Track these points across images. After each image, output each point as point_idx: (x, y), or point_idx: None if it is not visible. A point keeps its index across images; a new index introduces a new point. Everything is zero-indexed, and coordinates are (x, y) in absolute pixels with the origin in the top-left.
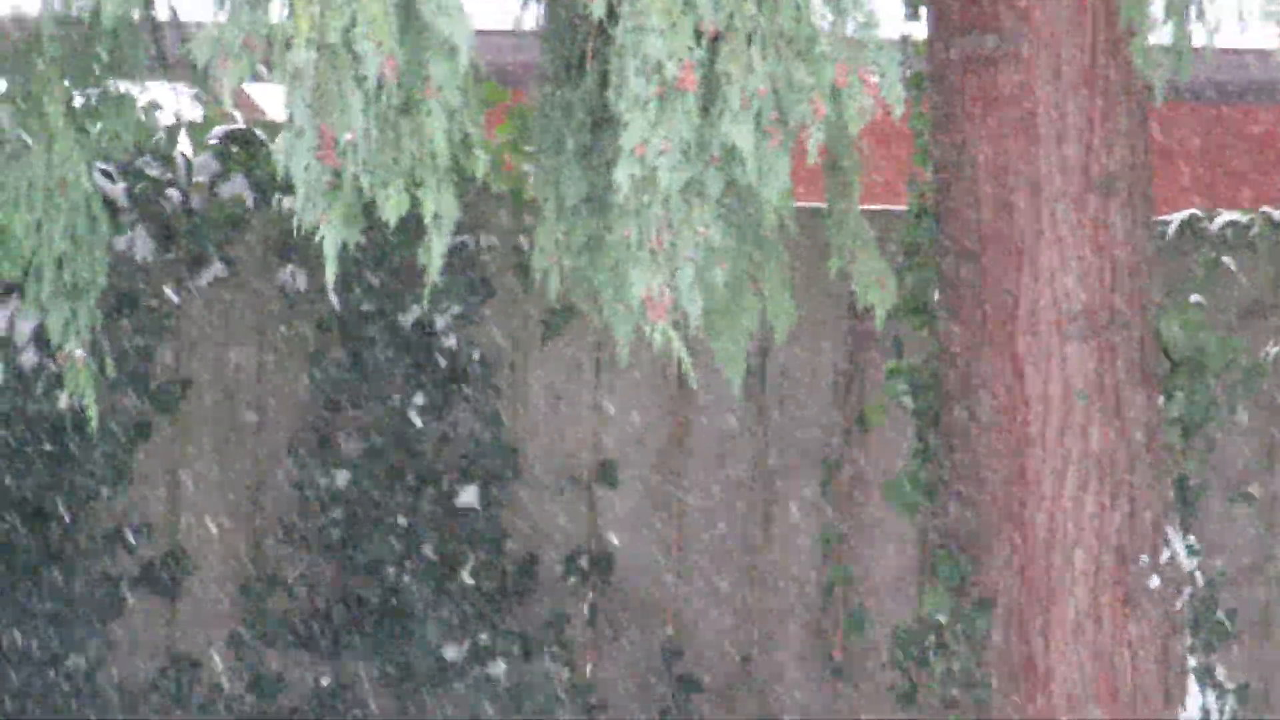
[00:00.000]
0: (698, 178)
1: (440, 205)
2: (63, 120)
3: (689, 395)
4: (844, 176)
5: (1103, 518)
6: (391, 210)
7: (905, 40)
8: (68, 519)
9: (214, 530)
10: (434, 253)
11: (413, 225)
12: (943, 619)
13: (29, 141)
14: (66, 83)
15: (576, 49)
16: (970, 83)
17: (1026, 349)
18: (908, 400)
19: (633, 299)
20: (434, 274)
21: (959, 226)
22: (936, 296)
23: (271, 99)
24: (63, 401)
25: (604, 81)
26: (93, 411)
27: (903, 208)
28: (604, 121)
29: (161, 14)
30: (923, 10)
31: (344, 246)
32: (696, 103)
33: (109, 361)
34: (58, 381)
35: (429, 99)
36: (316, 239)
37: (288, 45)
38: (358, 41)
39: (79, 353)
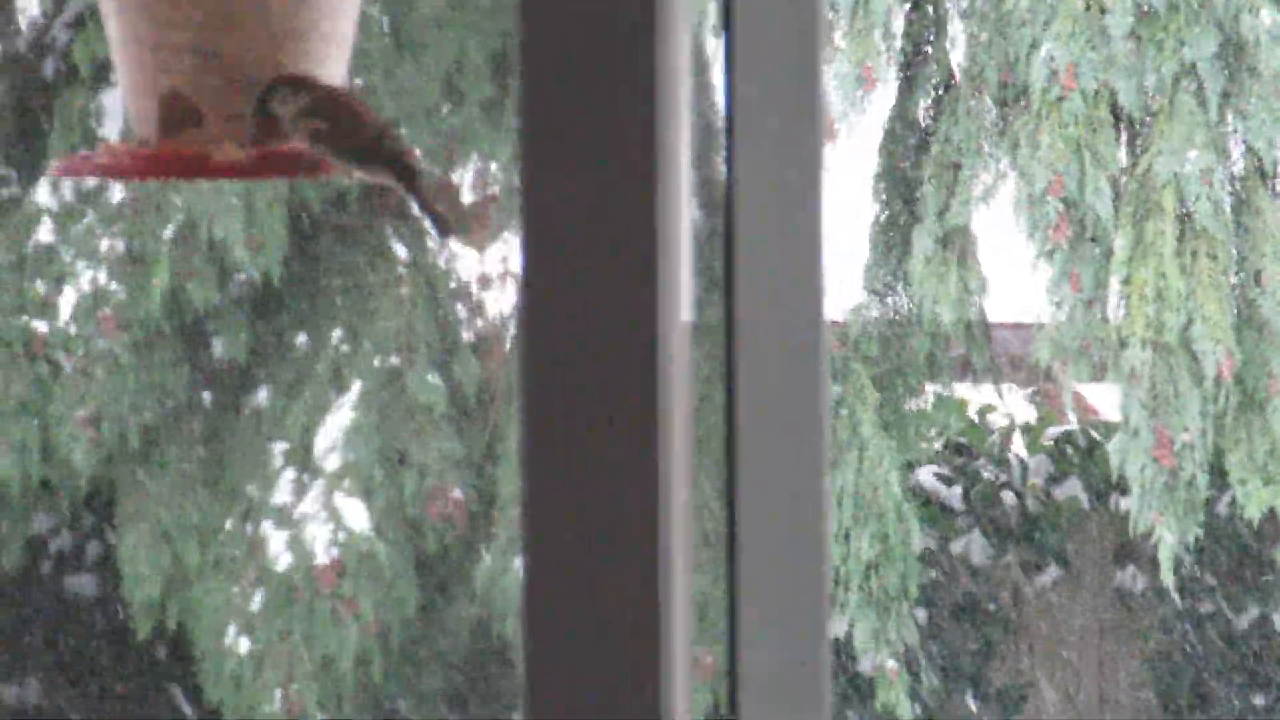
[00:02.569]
0: None
1: None
2: (873, 426)
3: None
4: None
5: None
6: (1253, 507)
7: None
8: None
9: None
10: None
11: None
12: None
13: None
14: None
15: None
16: None
17: None
18: None
19: None
20: None
21: None
22: None
23: (1103, 398)
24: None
25: None
26: None
27: None
28: None
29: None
30: None
31: (1185, 548)
32: None
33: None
34: None
35: (1275, 396)
36: (1152, 540)
37: (1123, 344)
38: (1195, 340)
39: (890, 663)
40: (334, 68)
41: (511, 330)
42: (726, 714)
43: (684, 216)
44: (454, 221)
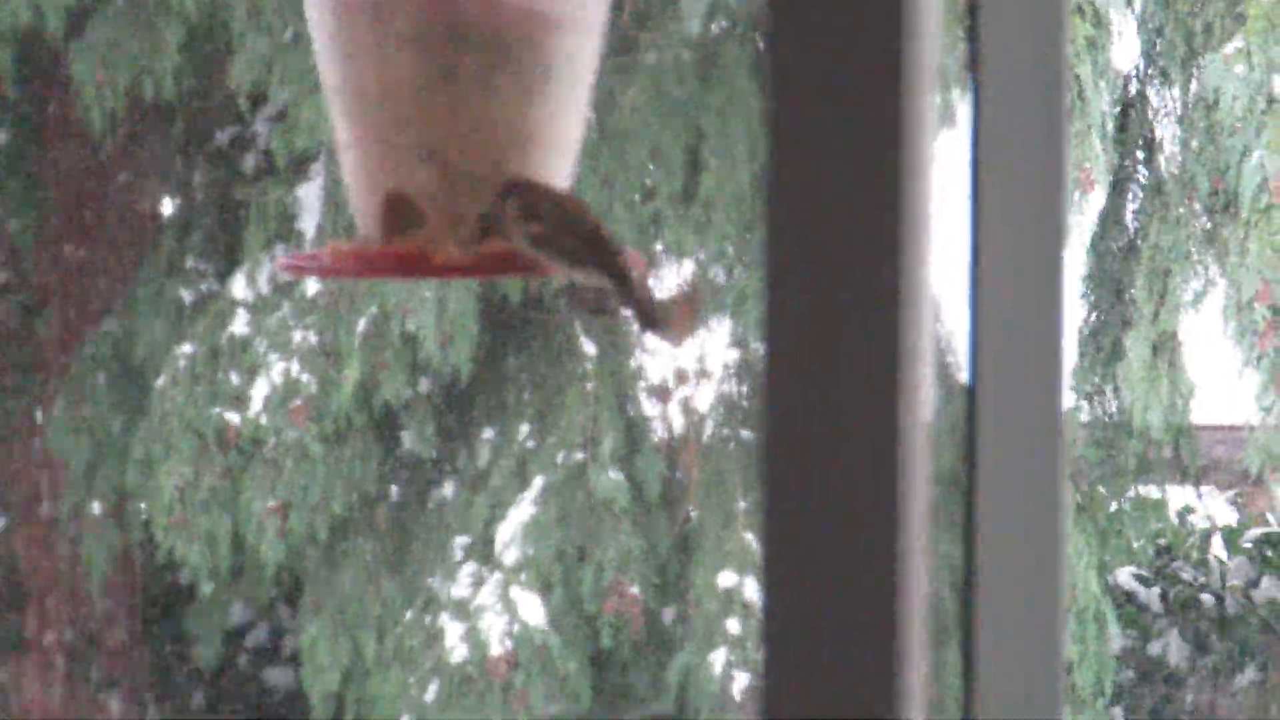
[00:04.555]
0: None
1: None
2: (1073, 525)
3: None
4: None
5: None
6: None
7: None
8: None
9: None
10: None
11: None
12: None
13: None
14: (1102, 489)
15: None
16: None
17: None
18: None
19: None
20: None
21: None
22: None
23: None
24: None
25: None
26: None
27: None
28: None
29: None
30: None
31: None
32: None
33: None
34: None
35: None
36: None
37: None
38: None
39: None
40: (559, 171)
41: (708, 427)
42: None
43: (929, 311)
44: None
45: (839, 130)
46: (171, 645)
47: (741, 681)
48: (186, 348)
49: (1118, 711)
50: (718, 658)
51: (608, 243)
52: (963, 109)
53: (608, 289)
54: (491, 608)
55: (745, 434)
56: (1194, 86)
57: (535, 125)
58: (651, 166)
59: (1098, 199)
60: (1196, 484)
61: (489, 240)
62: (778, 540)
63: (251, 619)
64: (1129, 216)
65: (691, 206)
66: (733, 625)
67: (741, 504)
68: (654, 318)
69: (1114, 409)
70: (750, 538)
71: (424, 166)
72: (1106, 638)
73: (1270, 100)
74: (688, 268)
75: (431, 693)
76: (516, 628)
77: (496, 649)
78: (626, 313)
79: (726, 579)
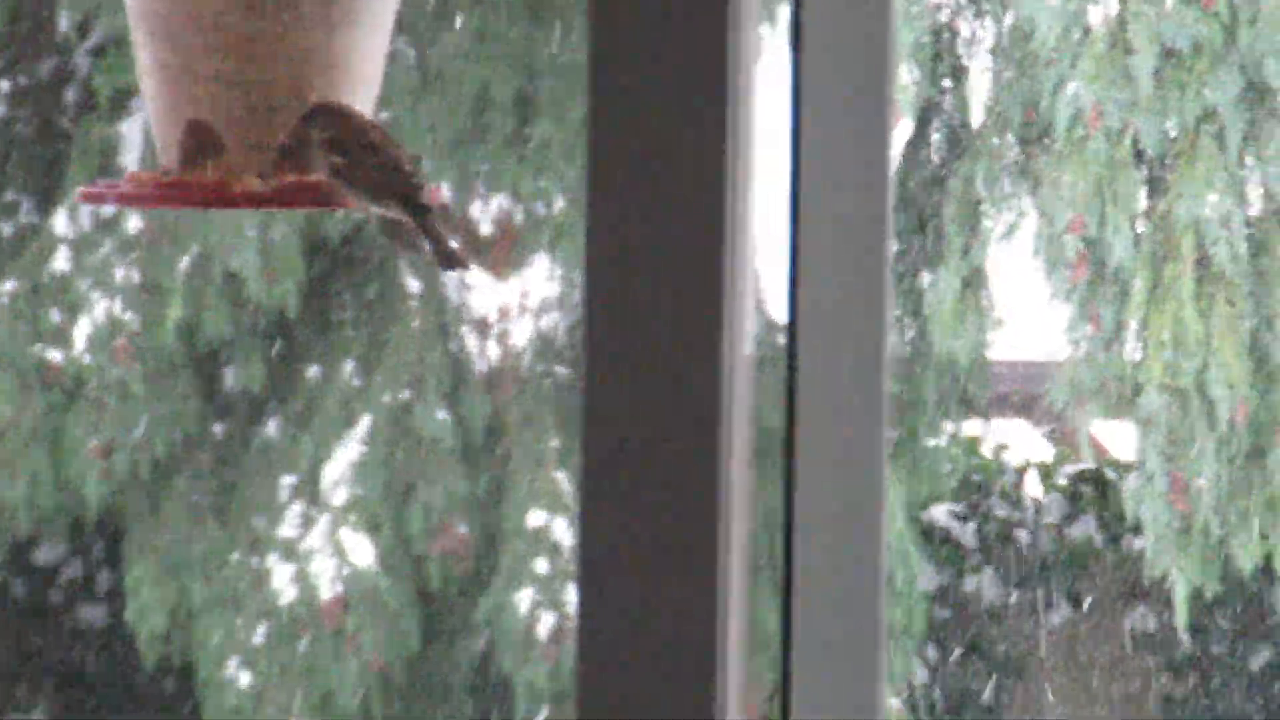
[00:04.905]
0: None
1: None
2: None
3: None
4: None
5: None
6: (1246, 558)
7: None
8: None
9: None
10: None
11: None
12: None
13: None
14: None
15: None
16: None
17: None
18: None
19: None
20: None
21: None
22: None
23: (1116, 438)
24: None
25: None
26: None
27: None
28: None
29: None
30: None
31: (1198, 591)
32: None
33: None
34: None
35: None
36: (1165, 584)
37: (1138, 390)
38: (1210, 386)
39: (894, 701)
40: (360, 103)
41: (526, 362)
42: None
43: (751, 248)
44: (469, 255)
45: (665, 63)
46: None
47: (548, 622)
48: (8, 284)
49: (931, 650)
50: (524, 597)
51: (408, 178)
52: (771, 40)
53: (407, 224)
54: (320, 549)
55: (560, 370)
56: (1009, 17)
57: (338, 53)
58: (478, 109)
59: (904, 130)
60: (986, 419)
61: (289, 170)
62: (595, 479)
63: (70, 558)
64: (934, 148)
65: (522, 148)
66: (541, 565)
67: (554, 443)
68: (451, 256)
69: (914, 339)
70: (561, 477)
71: (223, 94)
72: (914, 576)
73: (1086, 31)
74: (507, 204)
75: (260, 635)
76: (346, 570)
77: (327, 592)
78: (429, 252)
79: (536, 518)
